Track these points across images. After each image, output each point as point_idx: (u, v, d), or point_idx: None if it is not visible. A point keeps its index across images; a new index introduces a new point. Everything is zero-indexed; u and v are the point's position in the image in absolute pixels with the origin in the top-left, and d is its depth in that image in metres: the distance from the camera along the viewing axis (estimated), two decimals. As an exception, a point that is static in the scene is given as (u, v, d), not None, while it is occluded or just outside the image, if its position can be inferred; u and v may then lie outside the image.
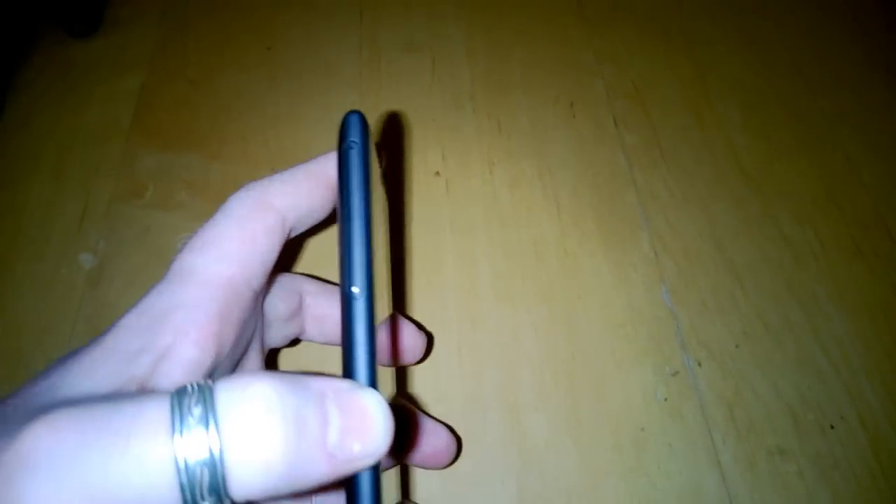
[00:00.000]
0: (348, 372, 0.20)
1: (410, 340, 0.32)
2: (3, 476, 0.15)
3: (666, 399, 0.35)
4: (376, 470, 0.19)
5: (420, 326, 0.34)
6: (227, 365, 0.23)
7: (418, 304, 0.38)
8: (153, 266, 0.38)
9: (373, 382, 0.20)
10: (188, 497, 0.15)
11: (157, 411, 0.16)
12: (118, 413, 0.16)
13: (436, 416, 0.33)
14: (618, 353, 0.36)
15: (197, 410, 0.16)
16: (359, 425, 0.18)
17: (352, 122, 0.22)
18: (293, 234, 0.25)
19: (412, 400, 0.35)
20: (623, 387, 0.35)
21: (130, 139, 0.43)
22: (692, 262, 0.39)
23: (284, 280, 0.29)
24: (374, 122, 0.44)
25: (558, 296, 0.38)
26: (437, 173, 0.42)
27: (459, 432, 0.34)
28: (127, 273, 0.38)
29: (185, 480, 0.15)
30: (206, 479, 0.15)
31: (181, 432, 0.15)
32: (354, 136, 0.21)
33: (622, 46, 0.49)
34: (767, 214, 0.41)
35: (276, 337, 0.29)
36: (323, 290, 0.30)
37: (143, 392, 0.18)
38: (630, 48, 0.48)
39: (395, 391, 0.31)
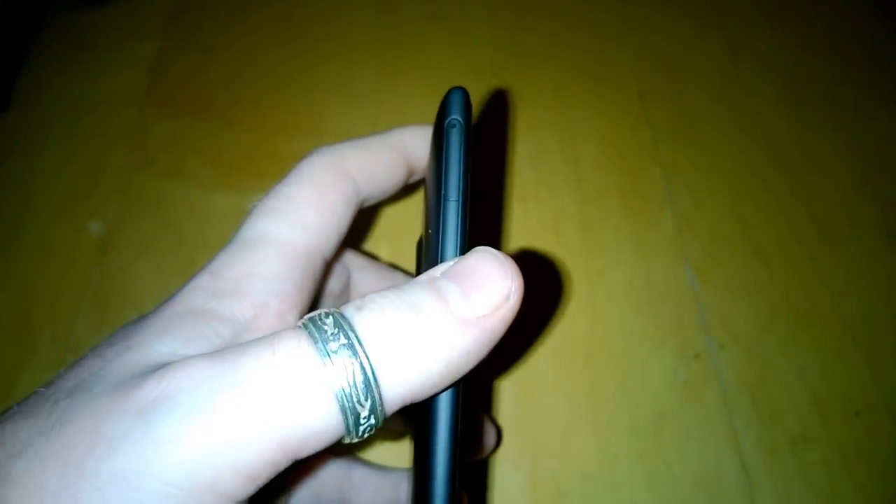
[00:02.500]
0: None
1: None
2: (144, 418, 0.15)
3: (686, 382, 0.34)
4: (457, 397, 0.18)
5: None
6: None
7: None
8: (163, 235, 0.37)
9: None
10: (347, 406, 0.15)
11: (291, 333, 0.16)
12: (253, 346, 0.16)
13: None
14: (638, 333, 0.35)
15: (329, 322, 0.16)
16: (479, 280, 0.17)
17: (454, 99, 0.21)
18: (364, 207, 0.24)
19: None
20: (642, 368, 0.34)
21: (143, 107, 0.42)
22: (717, 242, 0.38)
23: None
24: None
25: (578, 272, 0.37)
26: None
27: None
28: (136, 242, 0.37)
29: (340, 391, 0.15)
30: (360, 382, 0.15)
31: (326, 352, 0.15)
32: (457, 114, 0.20)
33: (651, 17, 0.47)
34: (797, 194, 0.40)
35: None
36: (369, 265, 0.29)
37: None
38: (660, 19, 0.47)
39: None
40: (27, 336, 0.34)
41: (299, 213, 0.20)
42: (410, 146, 0.24)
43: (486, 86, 0.43)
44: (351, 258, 0.28)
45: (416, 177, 0.25)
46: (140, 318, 0.19)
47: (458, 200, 0.20)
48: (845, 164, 0.41)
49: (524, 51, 0.45)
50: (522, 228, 0.38)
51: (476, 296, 0.16)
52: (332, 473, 0.26)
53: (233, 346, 0.16)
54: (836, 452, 0.32)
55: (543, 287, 0.36)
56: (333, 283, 0.27)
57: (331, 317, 0.16)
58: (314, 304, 0.22)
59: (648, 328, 0.35)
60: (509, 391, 0.33)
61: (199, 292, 0.19)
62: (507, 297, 0.17)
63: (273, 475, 0.16)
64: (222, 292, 0.19)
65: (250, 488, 0.15)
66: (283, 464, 0.16)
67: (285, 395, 0.15)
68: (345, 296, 0.28)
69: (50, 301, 0.35)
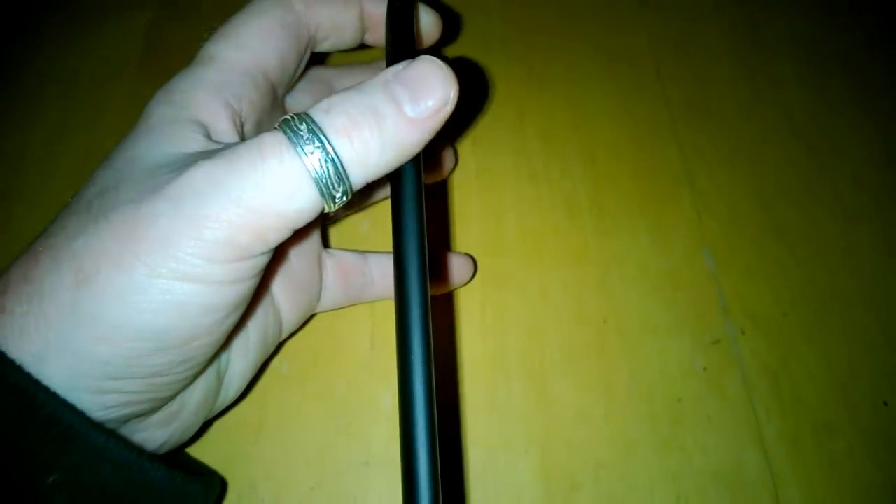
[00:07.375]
0: None
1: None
2: (175, 200, 0.19)
3: (705, 369, 0.33)
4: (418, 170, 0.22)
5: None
6: None
7: (441, 261, 0.35)
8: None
9: None
10: (324, 189, 0.20)
11: (273, 138, 0.20)
12: (244, 150, 0.20)
13: (457, 380, 0.31)
14: (654, 318, 0.34)
15: (304, 127, 0.20)
16: (426, 87, 0.20)
17: None
18: (316, 47, 0.28)
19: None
20: (659, 354, 0.33)
21: (138, 79, 0.41)
22: (737, 224, 0.36)
23: (311, 74, 0.31)
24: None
25: (591, 255, 0.35)
26: (464, 122, 0.39)
27: (480, 396, 0.32)
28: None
29: (317, 177, 0.19)
30: (332, 172, 0.20)
31: (301, 146, 0.19)
32: None
33: (666, -9, 0.45)
34: (820, 174, 0.38)
35: None
36: (348, 72, 0.32)
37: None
38: (674, -7, 0.45)
39: None
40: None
41: (238, 37, 0.25)
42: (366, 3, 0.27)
43: (496, 62, 0.41)
44: (326, 72, 0.32)
45: (372, 38, 0.28)
46: (125, 136, 0.22)
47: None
48: (869, 142, 0.39)
49: (536, 25, 0.43)
50: (533, 210, 0.36)
51: (423, 101, 0.20)
52: (353, 261, 0.31)
53: (226, 149, 0.20)
54: (861, 442, 0.31)
55: (552, 260, 0.35)
56: (306, 102, 0.30)
57: (304, 122, 0.20)
58: (264, 118, 0.26)
59: (665, 313, 0.34)
60: (518, 378, 0.32)
61: (163, 105, 0.23)
62: (447, 103, 0.21)
63: (282, 238, 0.20)
64: (179, 104, 0.23)
65: (262, 247, 0.20)
66: (286, 231, 0.20)
67: (278, 190, 0.19)
68: None
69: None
